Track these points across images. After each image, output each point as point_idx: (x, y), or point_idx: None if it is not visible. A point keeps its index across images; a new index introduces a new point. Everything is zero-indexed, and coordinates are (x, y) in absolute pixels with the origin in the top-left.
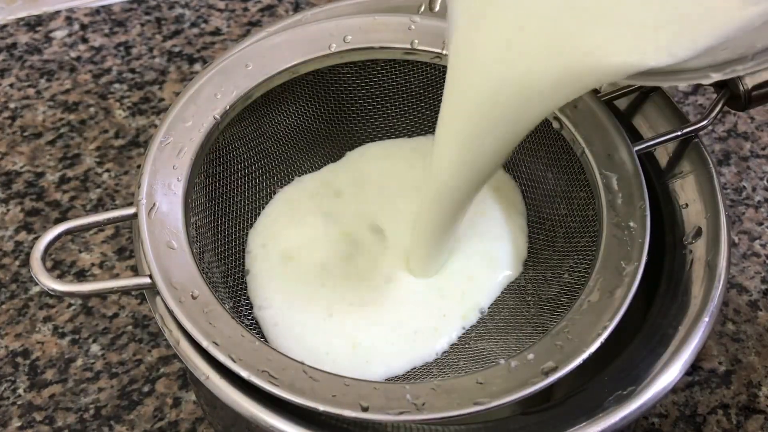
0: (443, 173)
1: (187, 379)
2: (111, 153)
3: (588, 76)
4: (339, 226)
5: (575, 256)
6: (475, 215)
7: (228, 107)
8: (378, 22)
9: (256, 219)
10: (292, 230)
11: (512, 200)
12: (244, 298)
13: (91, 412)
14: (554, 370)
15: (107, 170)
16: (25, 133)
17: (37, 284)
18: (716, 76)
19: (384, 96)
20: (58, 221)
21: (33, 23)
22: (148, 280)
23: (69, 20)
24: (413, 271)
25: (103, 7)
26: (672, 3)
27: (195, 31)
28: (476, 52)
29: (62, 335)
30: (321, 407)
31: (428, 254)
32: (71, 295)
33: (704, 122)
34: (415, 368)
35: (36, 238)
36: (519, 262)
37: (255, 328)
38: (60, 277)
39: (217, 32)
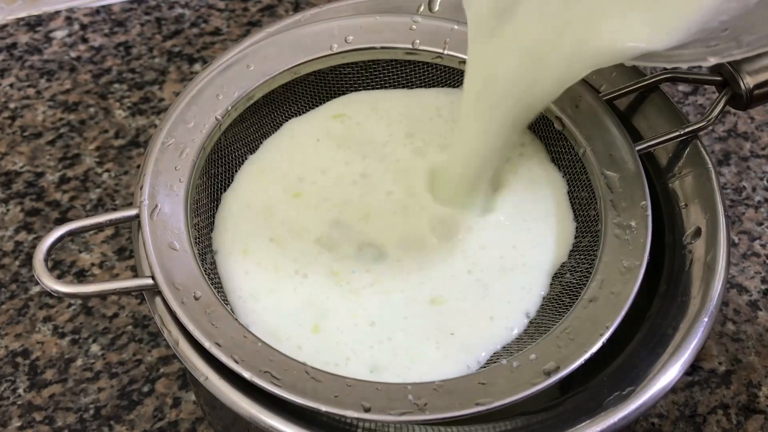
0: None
1: (186, 379)
2: (111, 153)
3: (588, 59)
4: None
5: (577, 256)
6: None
7: (230, 108)
8: (379, 22)
9: None
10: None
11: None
12: None
13: (91, 412)
14: (556, 370)
15: (107, 170)
16: (25, 133)
17: (37, 284)
18: (713, 60)
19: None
20: (58, 221)
21: (33, 23)
22: (150, 282)
23: (69, 20)
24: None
25: (103, 7)
26: None
27: (195, 31)
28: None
29: (62, 335)
30: (323, 408)
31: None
32: (74, 296)
33: (706, 122)
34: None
35: (36, 238)
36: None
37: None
38: (60, 277)
39: (217, 32)
